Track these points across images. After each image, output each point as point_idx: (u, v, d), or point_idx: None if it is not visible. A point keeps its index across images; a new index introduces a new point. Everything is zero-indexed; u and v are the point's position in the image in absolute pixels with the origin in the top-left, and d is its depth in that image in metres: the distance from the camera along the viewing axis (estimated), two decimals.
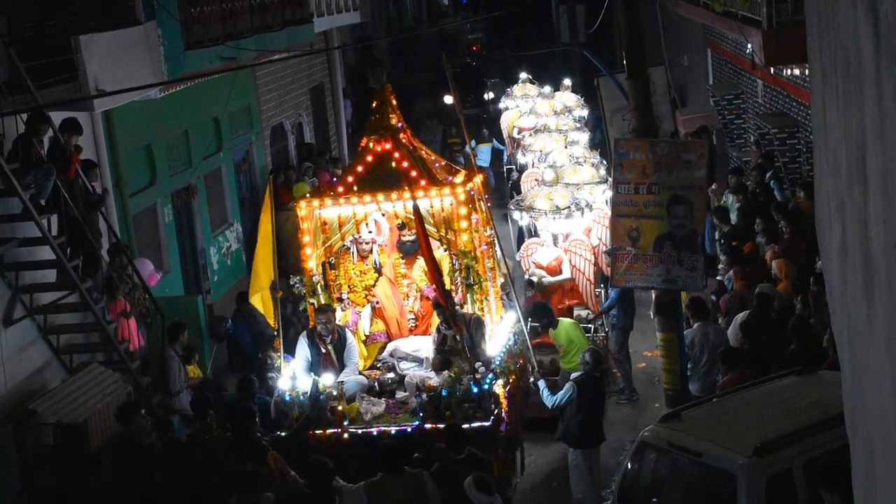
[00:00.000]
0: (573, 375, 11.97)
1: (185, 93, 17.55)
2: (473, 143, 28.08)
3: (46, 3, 14.14)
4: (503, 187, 25.59)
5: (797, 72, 17.41)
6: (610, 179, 17.04)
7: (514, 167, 23.64)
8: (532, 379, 12.45)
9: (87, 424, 11.75)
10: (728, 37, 20.72)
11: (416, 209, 11.62)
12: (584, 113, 24.34)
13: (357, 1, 27.14)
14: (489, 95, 32.09)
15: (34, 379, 12.70)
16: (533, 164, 20.32)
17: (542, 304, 14.18)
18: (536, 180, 18.47)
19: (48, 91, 12.56)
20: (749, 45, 17.75)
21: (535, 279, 15.19)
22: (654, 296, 13.88)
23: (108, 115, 15.47)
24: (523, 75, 27.13)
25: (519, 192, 20.14)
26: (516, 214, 16.49)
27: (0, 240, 12.12)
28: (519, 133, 23.74)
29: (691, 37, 26.19)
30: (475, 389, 11.37)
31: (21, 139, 12.57)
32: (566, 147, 19.53)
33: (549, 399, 11.80)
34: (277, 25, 20.37)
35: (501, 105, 26.88)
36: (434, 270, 11.69)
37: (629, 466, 9.89)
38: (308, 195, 13.32)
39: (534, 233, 17.04)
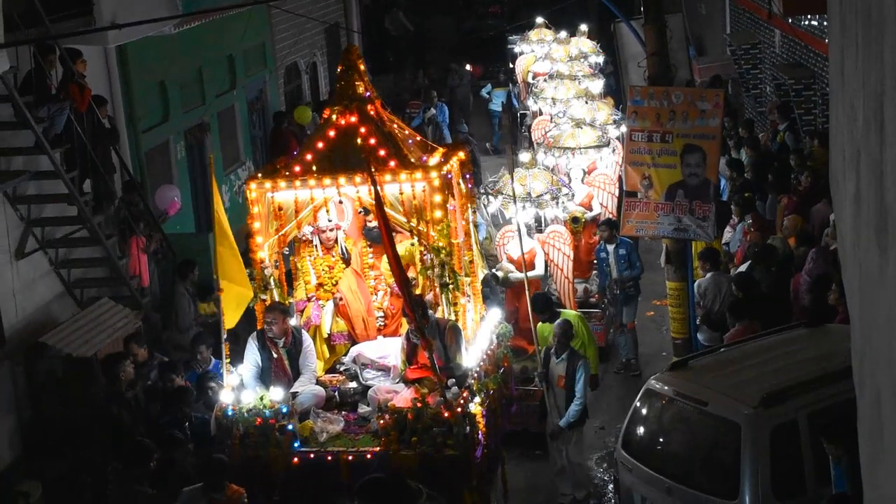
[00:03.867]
0: (565, 354, 10.98)
1: (199, 29, 17.47)
2: (490, 86, 27.94)
3: None
4: (516, 132, 25.50)
5: (815, 22, 17.27)
6: (613, 142, 16.90)
7: (527, 112, 23.53)
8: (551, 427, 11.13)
9: (95, 359, 11.85)
10: None
11: (378, 199, 9.60)
12: (600, 59, 24.16)
13: None
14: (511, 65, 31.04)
15: (45, 312, 12.80)
16: (542, 112, 20.15)
17: (543, 295, 12.61)
18: (545, 133, 18.31)
19: (63, 24, 12.52)
20: None
21: (500, 274, 13.35)
22: (664, 245, 13.87)
23: (122, 51, 15.45)
24: (539, 20, 26.89)
25: (530, 139, 19.97)
26: (484, 199, 14.25)
27: (13, 172, 12.15)
28: (534, 78, 23.61)
29: None
30: (445, 413, 9.56)
31: (35, 72, 12.57)
32: (578, 98, 19.22)
33: (577, 405, 10.89)
34: None
35: (517, 49, 26.71)
36: (399, 276, 9.73)
37: (635, 413, 9.94)
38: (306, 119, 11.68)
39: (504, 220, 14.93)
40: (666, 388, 9.67)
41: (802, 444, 8.88)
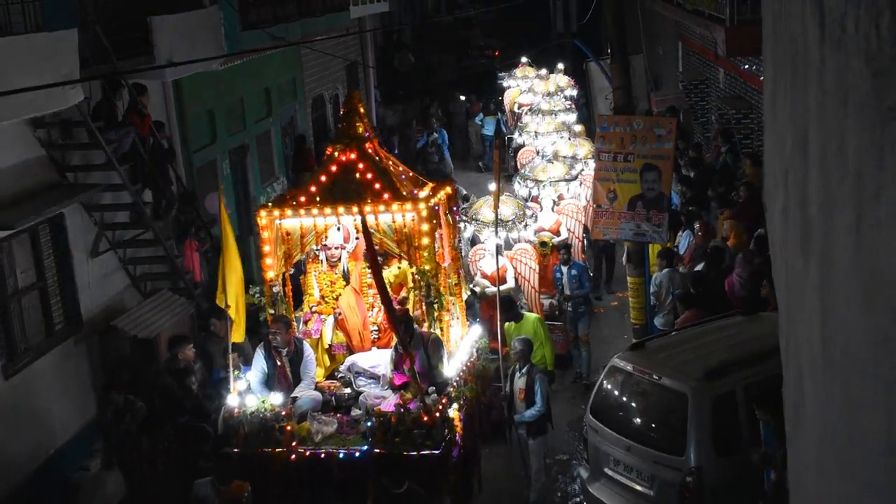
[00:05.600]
0: (525, 369, 10.34)
1: (241, 66, 17.50)
2: (481, 115, 27.92)
3: None
4: (504, 153, 25.45)
5: (753, 66, 17.28)
6: (581, 174, 16.77)
7: (513, 137, 23.56)
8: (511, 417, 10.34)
9: (157, 339, 11.87)
10: (696, 31, 20.53)
11: (366, 226, 9.18)
12: (574, 92, 24.18)
13: None
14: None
15: (115, 301, 12.83)
16: (525, 144, 20.01)
17: (507, 297, 11.91)
18: (525, 159, 18.02)
19: (128, 62, 12.56)
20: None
21: (477, 289, 13.04)
22: (626, 246, 13.89)
23: (178, 84, 15.45)
24: (523, 59, 26.91)
25: (516, 165, 19.81)
26: (461, 224, 13.53)
27: (88, 185, 12.18)
28: (519, 108, 23.62)
29: (665, 30, 25.97)
30: (425, 418, 9.16)
31: (105, 101, 12.60)
32: (558, 132, 19.03)
33: (536, 409, 10.19)
34: (319, 12, 20.32)
35: (505, 84, 26.74)
36: (382, 295, 9.22)
37: (601, 386, 9.96)
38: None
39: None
40: (627, 364, 9.69)
41: (739, 411, 8.91)
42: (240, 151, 18.60)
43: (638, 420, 9.56)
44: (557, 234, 15.20)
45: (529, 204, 15.56)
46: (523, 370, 10.30)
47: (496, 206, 10.88)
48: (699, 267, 13.06)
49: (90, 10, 12.43)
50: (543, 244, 14.42)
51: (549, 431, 10.53)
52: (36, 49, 10.07)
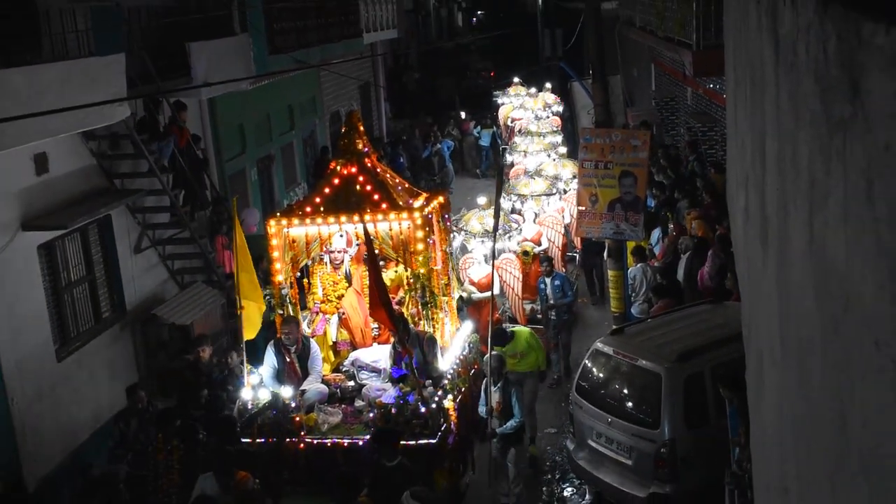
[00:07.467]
0: (500, 384, 9.43)
1: (268, 86, 17.49)
2: (479, 128, 27.90)
3: (169, 19, 14.06)
4: (499, 160, 25.41)
5: (717, 82, 17.25)
6: (558, 191, 16.62)
7: (507, 147, 23.49)
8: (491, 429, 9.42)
9: (192, 326, 11.87)
10: (667, 55, 20.49)
11: (367, 233, 8.98)
12: (560, 108, 24.15)
13: (395, 21, 26.94)
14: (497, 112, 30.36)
15: (155, 292, 12.83)
16: (515, 162, 19.87)
17: (501, 330, 10.73)
18: (514, 176, 17.84)
19: (169, 83, 12.57)
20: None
21: (465, 295, 12.51)
22: (607, 244, 13.85)
23: (213, 102, 15.47)
24: (516, 79, 26.90)
25: (507, 181, 19.61)
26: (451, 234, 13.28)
27: (132, 190, 12.18)
28: (512, 122, 23.58)
29: (640, 54, 25.93)
30: (423, 408, 8.98)
31: (148, 117, 12.60)
32: (546, 151, 18.91)
33: (516, 421, 9.36)
34: (336, 38, 20.32)
35: (499, 101, 26.71)
36: (383, 295, 8.82)
37: (585, 366, 9.94)
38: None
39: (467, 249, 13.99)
40: (608, 348, 9.66)
41: (707, 389, 8.88)
42: (266, 160, 18.62)
43: (618, 397, 9.53)
44: (539, 243, 14.78)
45: (516, 217, 15.24)
46: (497, 385, 9.48)
47: (496, 215, 10.77)
48: (683, 259, 13.01)
49: (136, 38, 12.43)
50: (526, 253, 13.98)
51: (524, 442, 9.91)
52: (89, 72, 10.09)
